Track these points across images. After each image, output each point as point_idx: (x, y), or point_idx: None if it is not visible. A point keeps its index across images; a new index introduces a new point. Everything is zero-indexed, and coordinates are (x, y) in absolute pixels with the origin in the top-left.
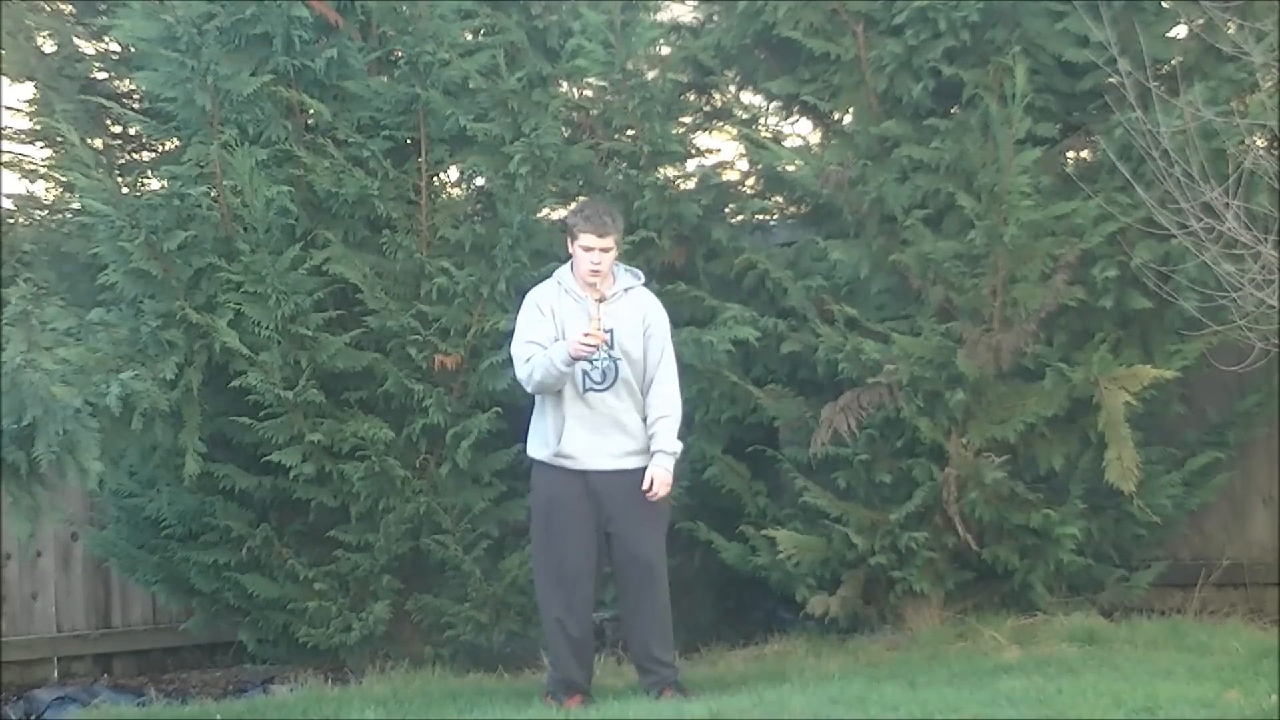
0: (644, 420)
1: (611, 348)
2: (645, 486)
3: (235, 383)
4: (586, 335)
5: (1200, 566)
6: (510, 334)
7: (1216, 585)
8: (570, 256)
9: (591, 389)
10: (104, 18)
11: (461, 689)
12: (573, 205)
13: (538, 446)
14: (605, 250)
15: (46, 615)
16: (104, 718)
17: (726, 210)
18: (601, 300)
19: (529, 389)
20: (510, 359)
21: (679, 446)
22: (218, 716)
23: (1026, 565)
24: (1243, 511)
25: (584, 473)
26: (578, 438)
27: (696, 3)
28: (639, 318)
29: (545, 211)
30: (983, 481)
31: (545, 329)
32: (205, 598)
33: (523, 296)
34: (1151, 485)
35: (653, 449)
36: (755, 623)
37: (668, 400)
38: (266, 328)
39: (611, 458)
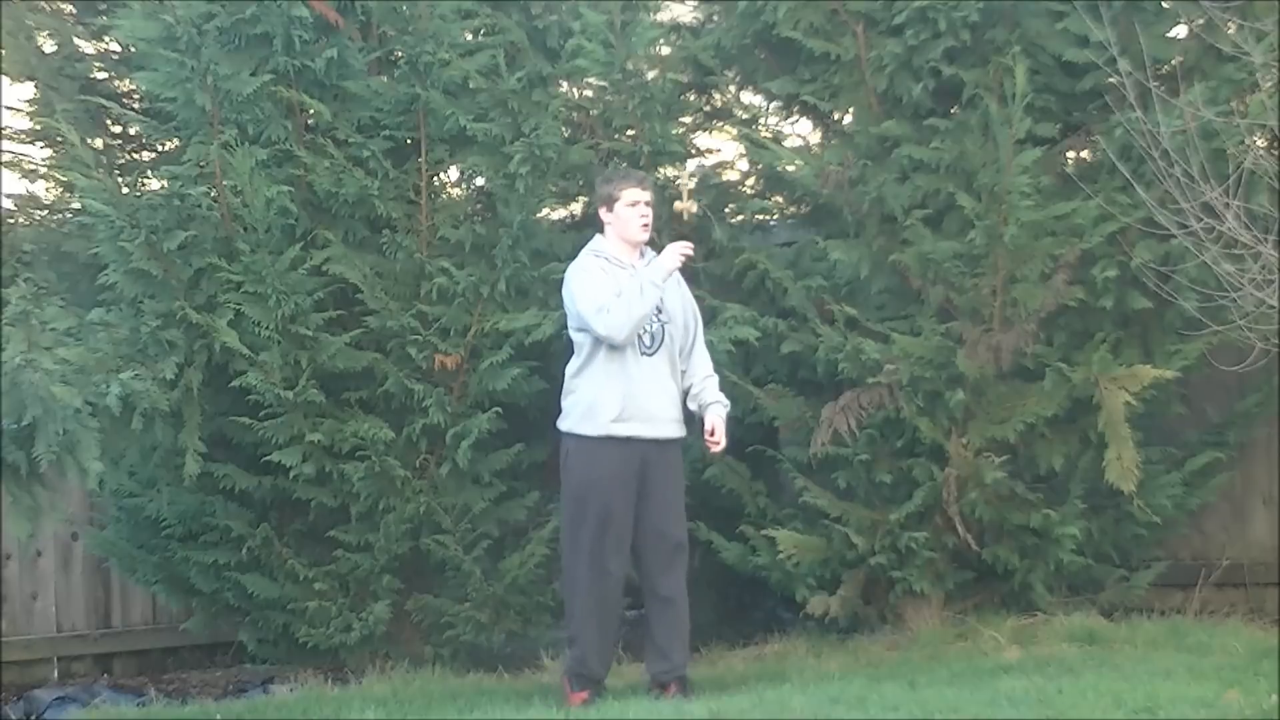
0: (679, 389)
1: (660, 312)
2: (709, 431)
3: (235, 383)
4: (685, 246)
5: (1200, 566)
6: (510, 334)
7: (1216, 585)
8: (604, 226)
9: (644, 353)
10: (104, 18)
11: (461, 689)
12: (597, 181)
13: (585, 421)
14: (649, 203)
15: (46, 615)
16: (104, 718)
17: (726, 210)
18: (686, 210)
19: (619, 336)
20: (509, 360)
21: (728, 402)
22: (218, 716)
23: (1026, 565)
24: (1243, 511)
25: (631, 442)
26: (634, 403)
27: (696, 3)
28: (672, 278)
29: (545, 211)
30: (983, 481)
31: (610, 284)
32: (205, 598)
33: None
34: (1151, 485)
35: (708, 401)
36: (755, 623)
37: (708, 359)
38: (266, 328)
39: (659, 424)
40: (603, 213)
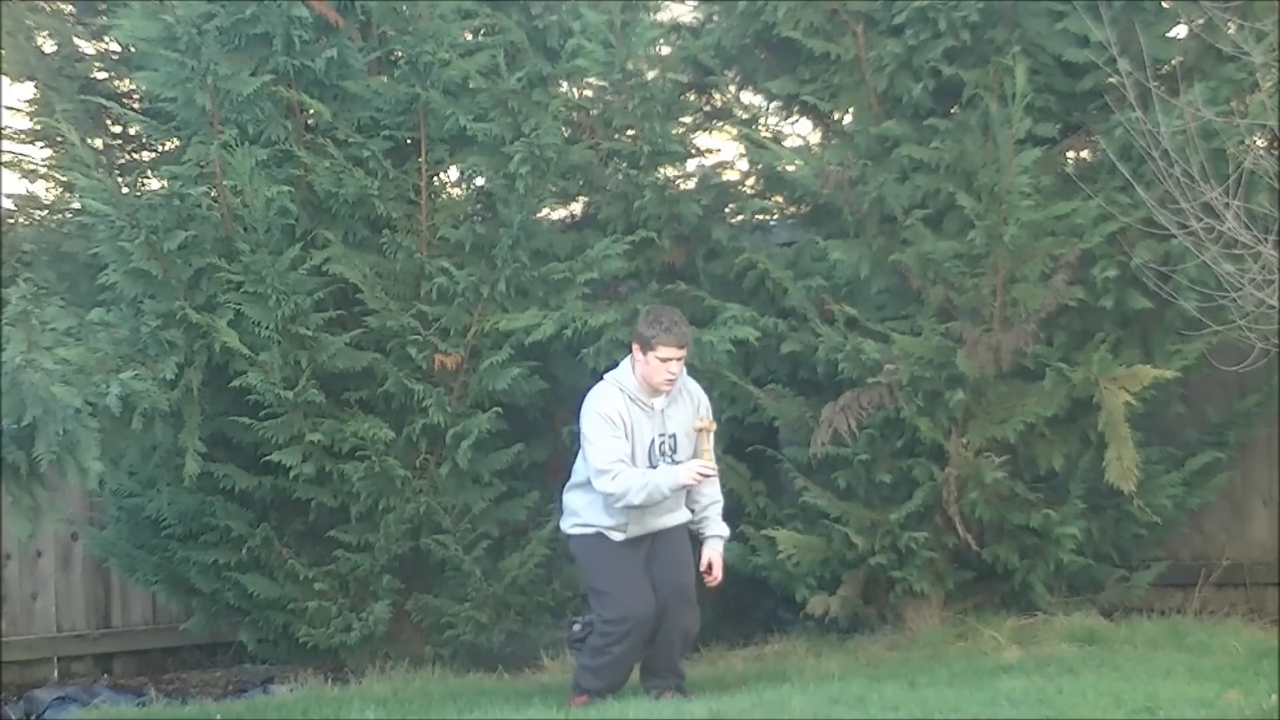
0: (689, 506)
1: (675, 451)
2: (704, 568)
3: (235, 383)
4: (703, 467)
5: (1200, 566)
6: (510, 334)
7: (1216, 585)
8: (632, 359)
9: None
10: (104, 18)
11: (461, 689)
12: (643, 314)
13: (586, 528)
14: (681, 360)
15: (46, 615)
16: (104, 718)
17: (726, 210)
18: (706, 431)
19: (616, 504)
20: (509, 360)
21: (728, 531)
22: (218, 716)
23: (1026, 565)
24: (1243, 511)
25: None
26: (631, 529)
27: (696, 3)
28: (692, 412)
29: (545, 211)
30: (983, 481)
31: (624, 443)
32: (205, 598)
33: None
34: (1151, 485)
35: (708, 534)
36: (755, 623)
37: (715, 487)
38: (266, 328)
39: (661, 526)
40: (635, 348)
